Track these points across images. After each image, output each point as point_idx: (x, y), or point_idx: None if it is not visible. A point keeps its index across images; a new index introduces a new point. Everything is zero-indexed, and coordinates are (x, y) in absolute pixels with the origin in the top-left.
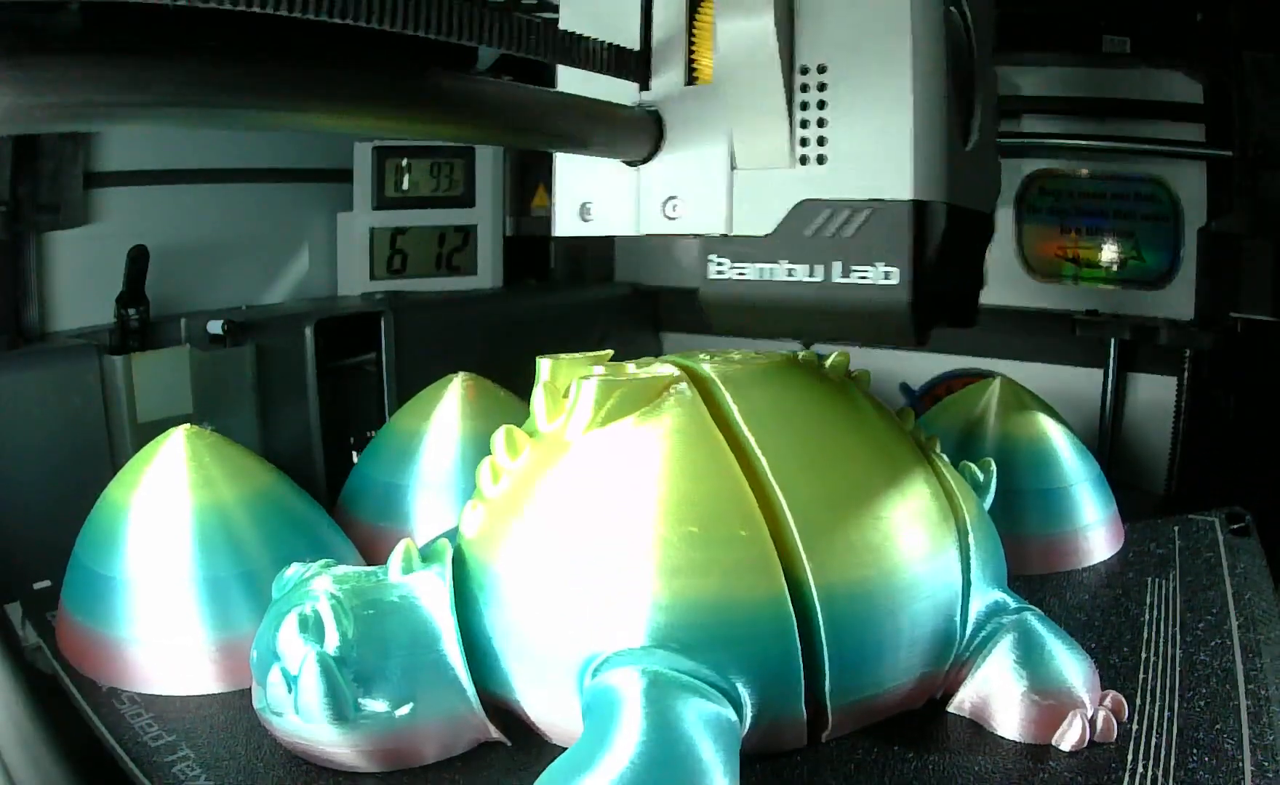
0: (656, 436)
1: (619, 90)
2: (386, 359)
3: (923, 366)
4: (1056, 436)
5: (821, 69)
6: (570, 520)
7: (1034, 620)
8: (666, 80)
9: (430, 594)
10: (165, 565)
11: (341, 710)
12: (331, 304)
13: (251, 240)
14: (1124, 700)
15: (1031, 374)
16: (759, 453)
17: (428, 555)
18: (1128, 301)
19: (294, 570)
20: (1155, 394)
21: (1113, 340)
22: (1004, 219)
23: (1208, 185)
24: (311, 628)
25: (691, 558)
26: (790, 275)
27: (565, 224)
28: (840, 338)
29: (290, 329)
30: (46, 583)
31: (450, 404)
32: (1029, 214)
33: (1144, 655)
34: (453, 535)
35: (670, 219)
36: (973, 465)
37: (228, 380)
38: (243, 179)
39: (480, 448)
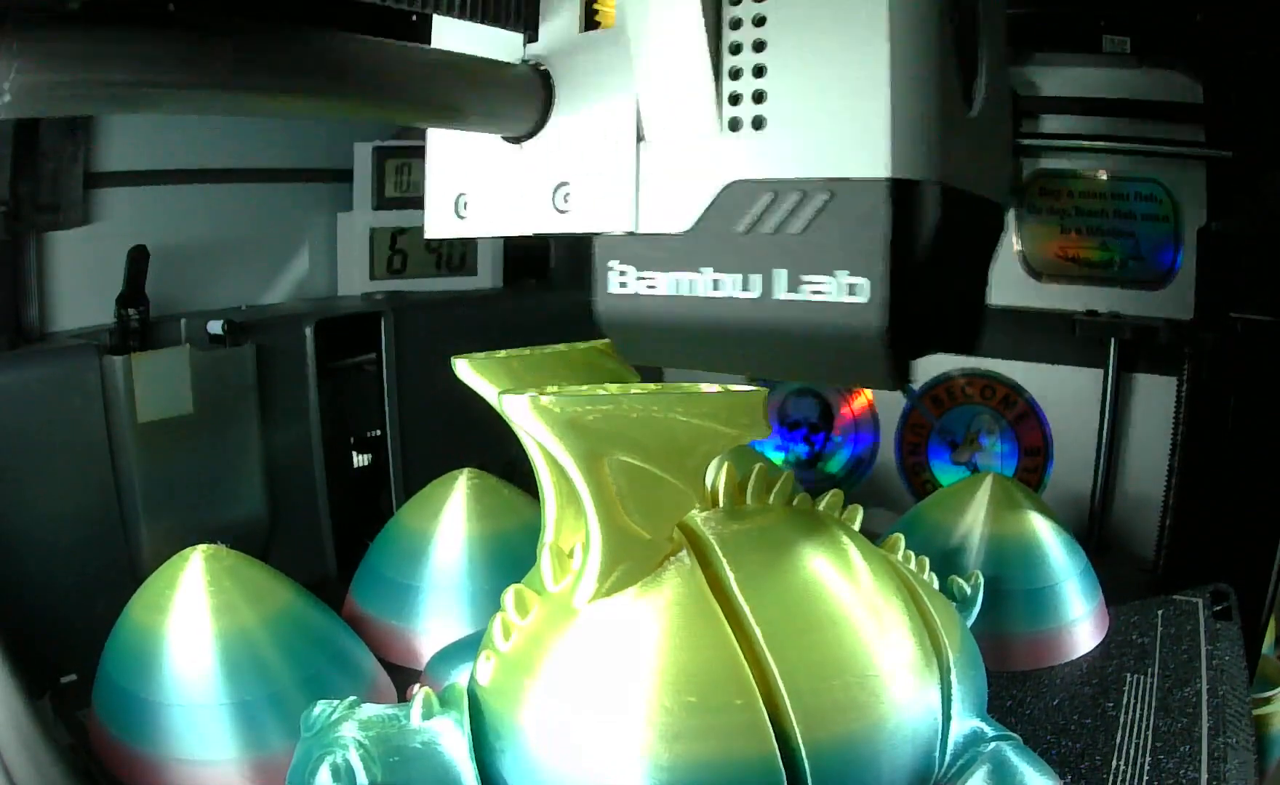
0: (657, 610)
1: (507, 47)
2: (386, 359)
3: (923, 366)
4: (1045, 534)
5: None
6: (578, 684)
7: (1008, 750)
8: (558, 26)
9: (451, 740)
10: (195, 691)
11: None
12: (331, 304)
13: (251, 240)
14: None
15: (1031, 374)
16: (753, 623)
17: (446, 700)
18: (1128, 301)
19: (320, 709)
20: (1155, 394)
21: (1113, 340)
22: None
23: (1208, 185)
24: (344, 777)
25: (690, 725)
26: (716, 288)
27: (438, 222)
28: (788, 375)
29: (290, 329)
30: (72, 676)
31: (456, 504)
32: (1029, 214)
33: (1114, 764)
34: (464, 647)
35: (561, 213)
36: (960, 580)
37: (228, 380)
38: (243, 179)
39: (487, 549)
